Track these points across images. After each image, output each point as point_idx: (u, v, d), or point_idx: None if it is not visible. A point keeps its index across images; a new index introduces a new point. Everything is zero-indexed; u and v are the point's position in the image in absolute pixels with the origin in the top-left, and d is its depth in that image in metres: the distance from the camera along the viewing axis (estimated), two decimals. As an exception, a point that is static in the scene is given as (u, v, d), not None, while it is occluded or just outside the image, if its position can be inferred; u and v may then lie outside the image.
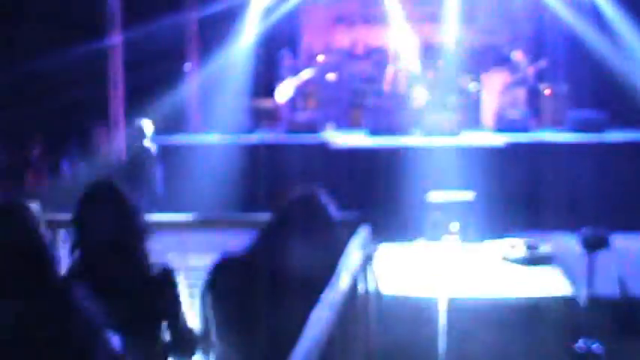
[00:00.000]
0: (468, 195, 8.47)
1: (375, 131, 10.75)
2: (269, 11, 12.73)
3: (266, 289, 2.68)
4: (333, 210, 2.91)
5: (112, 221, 2.77)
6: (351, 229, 3.64)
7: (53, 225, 3.40)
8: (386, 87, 12.49)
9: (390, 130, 10.68)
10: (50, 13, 10.84)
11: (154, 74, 10.97)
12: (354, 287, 3.07)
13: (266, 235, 2.84)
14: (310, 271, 2.69)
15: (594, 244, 5.12)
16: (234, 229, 4.28)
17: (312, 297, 2.47)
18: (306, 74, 12.28)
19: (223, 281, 2.79)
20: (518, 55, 12.10)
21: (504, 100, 11.84)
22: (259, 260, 2.76)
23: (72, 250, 2.81)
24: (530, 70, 12.06)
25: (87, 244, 2.77)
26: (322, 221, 2.86)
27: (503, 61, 12.37)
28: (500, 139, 9.92)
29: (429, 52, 13.17)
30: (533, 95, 12.04)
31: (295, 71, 12.38)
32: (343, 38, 14.01)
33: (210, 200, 8.78)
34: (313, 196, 2.89)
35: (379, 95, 12.46)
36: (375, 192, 8.98)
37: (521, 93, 11.94)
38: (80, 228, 2.80)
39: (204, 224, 4.50)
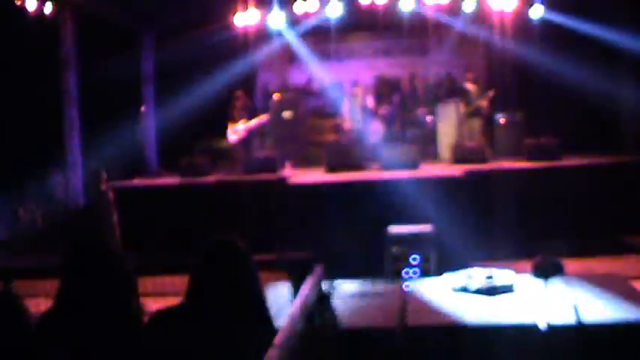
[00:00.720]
0: (428, 227, 8.54)
1: (333, 167, 10.87)
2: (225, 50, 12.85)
3: (200, 340, 2.72)
4: (249, 256, 2.94)
5: (101, 277, 2.82)
6: (306, 268, 3.71)
7: (11, 273, 3.38)
8: (342, 123, 12.67)
9: (348, 166, 10.81)
10: (3, 55, 10.84)
11: (111, 117, 10.96)
12: (309, 325, 3.13)
13: (192, 284, 2.90)
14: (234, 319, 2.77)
15: (548, 273, 5.24)
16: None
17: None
18: (262, 119, 12.30)
19: (159, 335, 2.82)
20: (471, 86, 12.34)
21: (460, 130, 12.06)
22: (190, 311, 2.82)
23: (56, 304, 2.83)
24: (484, 101, 12.27)
25: (73, 299, 2.80)
26: (239, 268, 2.89)
27: (457, 92, 12.58)
28: (458, 170, 9.99)
29: (385, 85, 13.39)
30: (489, 125, 12.28)
31: (250, 111, 12.44)
32: (299, 75, 14.19)
33: (169, 243, 8.76)
34: (227, 243, 2.93)
35: (336, 131, 12.61)
36: (335, 228, 9.00)
37: (476, 123, 12.20)
38: (69, 285, 2.83)
39: (159, 269, 4.52)
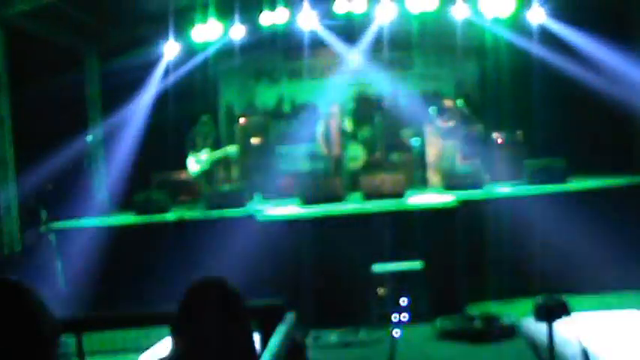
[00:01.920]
0: (417, 265, 8.54)
1: (308, 199, 10.79)
2: (179, 69, 12.89)
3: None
4: (240, 298, 2.95)
5: (13, 328, 2.65)
6: (278, 316, 3.70)
7: None
8: (318, 149, 12.72)
9: (325, 197, 10.74)
10: None
11: (51, 148, 10.91)
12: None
13: (178, 333, 2.89)
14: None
15: (554, 313, 5.26)
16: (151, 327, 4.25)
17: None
18: (230, 150, 12.24)
19: None
20: (461, 103, 12.33)
21: (450, 153, 12.11)
22: None
23: None
24: (452, 120, 12.24)
25: None
26: (230, 311, 2.90)
27: (447, 110, 12.59)
28: (451, 199, 9.90)
29: (365, 105, 13.44)
30: (483, 145, 12.28)
31: (214, 138, 12.41)
32: (267, 96, 14.31)
33: (124, 294, 8.71)
34: (216, 285, 2.94)
35: (311, 159, 12.67)
36: (312, 268, 8.98)
37: (450, 145, 12.20)
38: None
39: (115, 323, 4.45)
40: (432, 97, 13.18)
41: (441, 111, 12.31)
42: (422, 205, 9.96)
